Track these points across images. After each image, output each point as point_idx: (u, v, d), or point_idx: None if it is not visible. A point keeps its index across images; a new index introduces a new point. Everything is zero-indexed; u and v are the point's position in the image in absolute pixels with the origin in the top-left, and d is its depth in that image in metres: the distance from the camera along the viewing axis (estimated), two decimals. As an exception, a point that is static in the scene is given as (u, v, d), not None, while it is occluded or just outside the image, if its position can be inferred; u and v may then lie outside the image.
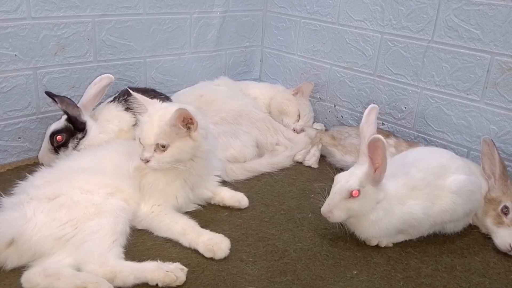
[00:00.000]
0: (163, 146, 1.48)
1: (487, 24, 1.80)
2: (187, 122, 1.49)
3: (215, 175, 1.73)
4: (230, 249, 1.44)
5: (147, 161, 1.49)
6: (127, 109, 1.83)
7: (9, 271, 1.31)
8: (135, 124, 1.79)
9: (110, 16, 2.01)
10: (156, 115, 1.50)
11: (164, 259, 1.38)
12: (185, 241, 1.46)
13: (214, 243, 1.43)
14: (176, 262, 1.35)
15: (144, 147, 1.50)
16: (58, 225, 1.34)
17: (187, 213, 1.62)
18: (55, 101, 1.75)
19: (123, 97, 1.87)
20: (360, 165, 1.46)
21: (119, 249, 1.36)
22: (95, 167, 1.54)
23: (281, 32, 2.55)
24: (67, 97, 1.78)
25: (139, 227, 1.54)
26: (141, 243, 1.47)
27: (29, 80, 1.87)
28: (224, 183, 1.82)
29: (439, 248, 1.55)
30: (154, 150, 1.48)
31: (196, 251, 1.44)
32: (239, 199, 1.71)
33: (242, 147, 1.97)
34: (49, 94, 1.77)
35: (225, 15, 2.41)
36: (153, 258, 1.38)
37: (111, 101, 1.88)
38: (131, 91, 1.64)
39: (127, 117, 1.83)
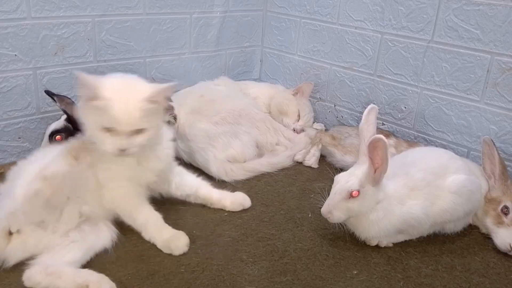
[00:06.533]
0: (139, 131, 1.34)
1: (487, 24, 1.80)
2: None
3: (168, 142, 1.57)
4: (230, 250, 1.43)
5: (123, 149, 1.33)
6: None
7: (9, 271, 1.31)
8: None
9: (110, 16, 2.01)
10: (127, 96, 1.32)
11: (164, 258, 1.39)
12: (146, 235, 1.46)
13: (171, 241, 1.42)
14: (176, 261, 1.36)
15: (114, 135, 1.33)
16: None
17: (185, 211, 1.62)
18: (55, 100, 1.75)
19: None
20: (359, 165, 1.46)
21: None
22: None
23: (281, 32, 2.55)
24: (67, 97, 1.78)
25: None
26: (141, 243, 1.47)
27: (29, 80, 1.87)
28: (224, 183, 1.83)
29: (439, 248, 1.55)
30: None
31: (196, 251, 1.44)
32: (242, 203, 1.69)
33: (242, 147, 1.97)
34: (48, 93, 1.77)
35: (225, 15, 2.41)
36: (153, 258, 1.39)
37: None
38: (77, 73, 1.32)
39: None
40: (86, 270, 1.29)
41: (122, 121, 1.30)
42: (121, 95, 1.31)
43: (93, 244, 1.39)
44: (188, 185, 1.66)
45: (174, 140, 1.63)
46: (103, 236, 1.43)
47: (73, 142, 1.45)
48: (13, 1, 1.75)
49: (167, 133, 1.56)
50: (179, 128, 1.99)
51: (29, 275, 1.26)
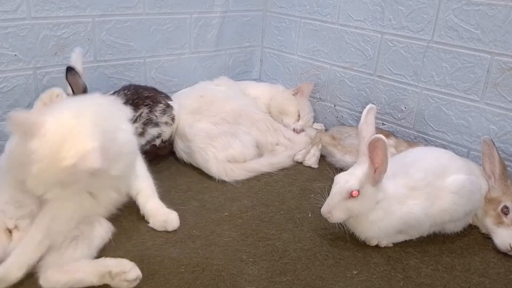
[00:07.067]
0: None
1: (487, 24, 1.80)
2: None
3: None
4: (230, 250, 1.43)
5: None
6: (126, 103, 1.82)
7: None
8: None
9: (110, 16, 2.01)
10: (50, 157, 1.15)
11: (164, 258, 1.39)
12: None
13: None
14: (176, 261, 1.35)
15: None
16: None
17: (185, 211, 1.62)
18: (68, 73, 1.63)
19: (123, 91, 1.89)
20: (359, 165, 1.46)
21: None
22: None
23: (281, 32, 2.55)
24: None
25: None
26: (141, 243, 1.48)
27: (29, 80, 1.87)
28: (224, 183, 1.83)
29: (439, 248, 1.55)
30: None
31: (196, 251, 1.44)
32: (164, 226, 1.54)
33: (242, 147, 1.97)
34: (69, 68, 1.64)
35: (225, 15, 2.41)
36: (152, 258, 1.39)
37: (111, 95, 1.88)
38: (12, 115, 1.18)
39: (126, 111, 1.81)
40: (102, 259, 1.30)
41: (33, 183, 1.19)
42: (45, 155, 1.15)
43: (93, 240, 1.39)
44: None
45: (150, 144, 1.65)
46: (100, 231, 1.42)
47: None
48: (13, 1, 1.75)
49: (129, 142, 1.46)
50: (179, 128, 1.99)
51: (45, 277, 1.25)
